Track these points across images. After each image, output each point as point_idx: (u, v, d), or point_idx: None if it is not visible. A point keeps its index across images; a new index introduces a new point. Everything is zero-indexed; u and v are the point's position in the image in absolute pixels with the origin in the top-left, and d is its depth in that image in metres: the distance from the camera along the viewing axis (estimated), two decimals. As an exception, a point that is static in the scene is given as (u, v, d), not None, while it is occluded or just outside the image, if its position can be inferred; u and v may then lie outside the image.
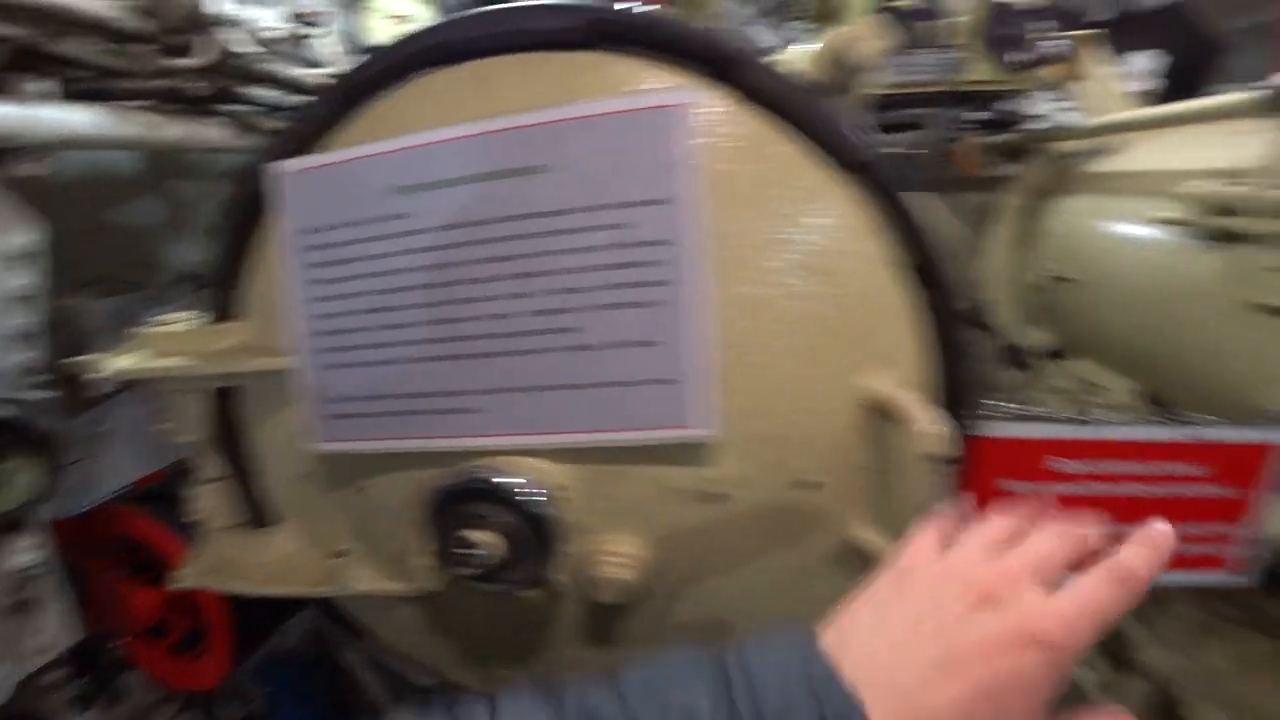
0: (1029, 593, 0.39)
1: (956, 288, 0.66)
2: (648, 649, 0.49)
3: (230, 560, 0.83)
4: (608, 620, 0.74)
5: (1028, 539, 0.43)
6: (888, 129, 1.43)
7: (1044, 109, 2.42)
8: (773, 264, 0.65)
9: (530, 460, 0.66)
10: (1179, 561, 0.97)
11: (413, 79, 0.69)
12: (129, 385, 1.07)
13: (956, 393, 0.72)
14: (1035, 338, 1.73)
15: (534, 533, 0.65)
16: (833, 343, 0.66)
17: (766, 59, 0.66)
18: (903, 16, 1.29)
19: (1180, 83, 2.47)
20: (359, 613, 0.88)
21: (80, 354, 0.77)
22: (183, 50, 1.00)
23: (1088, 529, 0.44)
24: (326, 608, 0.88)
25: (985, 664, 0.36)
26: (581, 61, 0.65)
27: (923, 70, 1.30)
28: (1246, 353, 1.06)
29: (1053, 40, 1.24)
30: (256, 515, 0.84)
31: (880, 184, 0.66)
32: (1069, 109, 1.88)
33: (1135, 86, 2.25)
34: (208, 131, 1.14)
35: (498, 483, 0.65)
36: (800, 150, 0.65)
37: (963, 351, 0.71)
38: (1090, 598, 0.39)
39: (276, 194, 0.71)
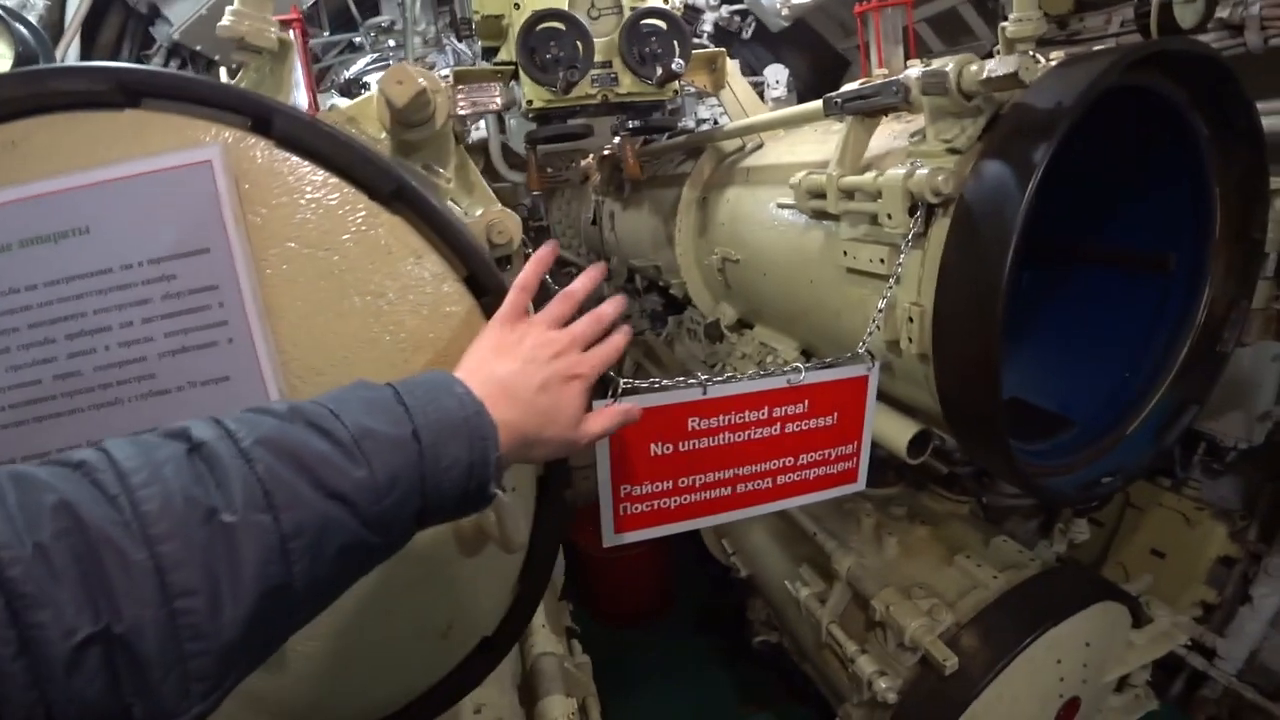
0: (573, 352, 0.73)
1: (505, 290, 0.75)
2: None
3: None
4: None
5: (574, 323, 0.75)
6: (556, 139, 1.53)
7: (707, 114, 2.78)
8: (347, 291, 0.71)
9: None
10: (818, 483, 1.18)
11: None
12: None
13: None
14: (725, 312, 1.98)
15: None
16: (413, 354, 0.74)
17: (303, 110, 0.70)
18: (554, 37, 1.39)
19: (812, 90, 3.00)
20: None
21: None
22: None
23: (607, 311, 0.78)
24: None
25: (553, 387, 0.69)
26: (118, 121, 0.64)
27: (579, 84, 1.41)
28: (844, 306, 1.33)
29: (674, 58, 1.42)
30: None
31: (419, 209, 0.74)
32: (724, 114, 2.18)
33: (773, 94, 2.68)
34: None
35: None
36: (341, 186, 0.71)
37: None
38: (600, 353, 0.75)
39: None
